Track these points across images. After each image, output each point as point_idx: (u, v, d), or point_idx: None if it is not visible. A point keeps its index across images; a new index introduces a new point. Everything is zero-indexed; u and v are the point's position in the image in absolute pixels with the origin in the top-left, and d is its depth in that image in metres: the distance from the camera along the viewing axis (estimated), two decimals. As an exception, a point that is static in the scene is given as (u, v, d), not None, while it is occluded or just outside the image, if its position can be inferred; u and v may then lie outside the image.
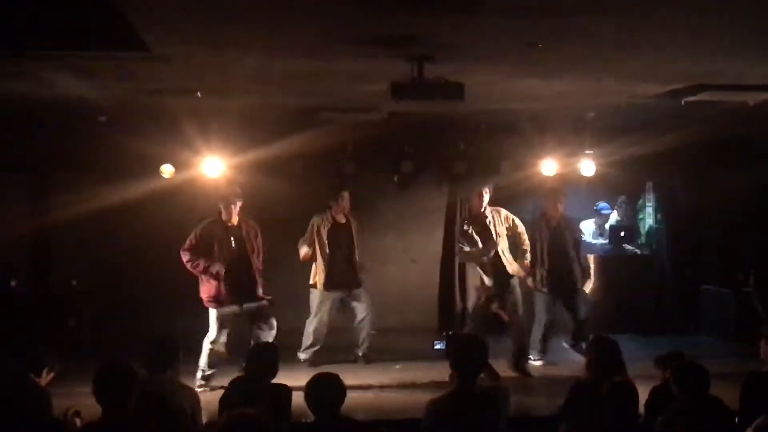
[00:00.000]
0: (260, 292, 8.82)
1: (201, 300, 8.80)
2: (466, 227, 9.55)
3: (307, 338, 9.62)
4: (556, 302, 9.81)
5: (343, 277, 9.63)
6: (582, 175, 11.02)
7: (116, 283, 11.09)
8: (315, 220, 9.62)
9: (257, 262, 8.88)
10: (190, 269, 8.69)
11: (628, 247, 12.25)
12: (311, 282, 9.62)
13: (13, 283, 10.59)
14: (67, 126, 9.76)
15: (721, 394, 5.16)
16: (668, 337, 10.69)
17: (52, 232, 11.28)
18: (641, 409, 5.28)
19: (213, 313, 8.66)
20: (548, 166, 10.80)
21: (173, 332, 8.24)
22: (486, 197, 9.53)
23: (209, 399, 6.27)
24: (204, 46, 6.31)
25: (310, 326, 9.60)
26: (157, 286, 10.85)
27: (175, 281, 10.00)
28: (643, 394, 5.40)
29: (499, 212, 9.60)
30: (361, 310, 9.70)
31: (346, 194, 9.70)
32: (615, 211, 12.54)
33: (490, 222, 9.48)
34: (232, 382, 5.79)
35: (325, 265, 9.51)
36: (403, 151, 10.71)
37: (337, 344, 9.80)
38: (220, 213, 8.87)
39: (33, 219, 10.72)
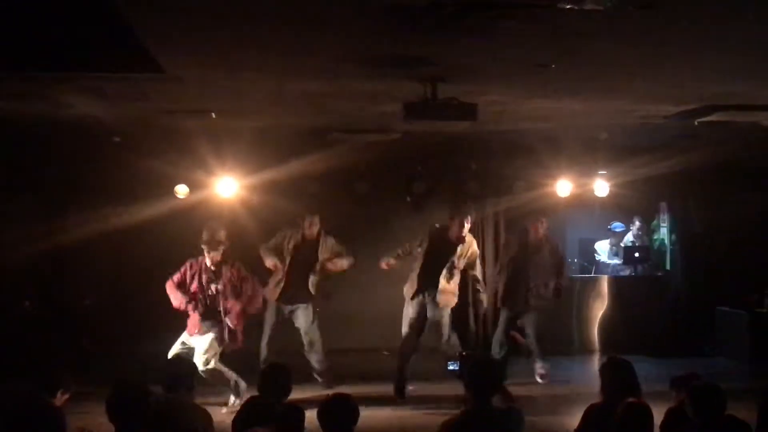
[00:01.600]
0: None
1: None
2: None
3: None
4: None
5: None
6: (596, 196, 11.01)
7: (130, 302, 11.10)
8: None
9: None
10: None
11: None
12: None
13: (27, 303, 10.62)
14: (81, 146, 9.83)
15: (738, 416, 5.11)
16: (683, 358, 10.62)
17: (66, 253, 11.31)
18: (656, 431, 5.24)
19: None
20: (562, 187, 10.79)
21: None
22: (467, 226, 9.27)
23: (224, 419, 6.25)
24: (219, 69, 6.35)
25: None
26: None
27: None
28: (659, 415, 5.36)
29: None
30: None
31: (316, 218, 9.48)
32: (630, 232, 12.51)
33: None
34: (245, 403, 5.78)
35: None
36: (416, 171, 10.73)
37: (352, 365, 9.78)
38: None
39: (47, 239, 10.75)
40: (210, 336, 8.54)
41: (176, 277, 8.74)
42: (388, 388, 9.40)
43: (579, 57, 5.92)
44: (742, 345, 11.12)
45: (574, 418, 5.58)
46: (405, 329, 9.20)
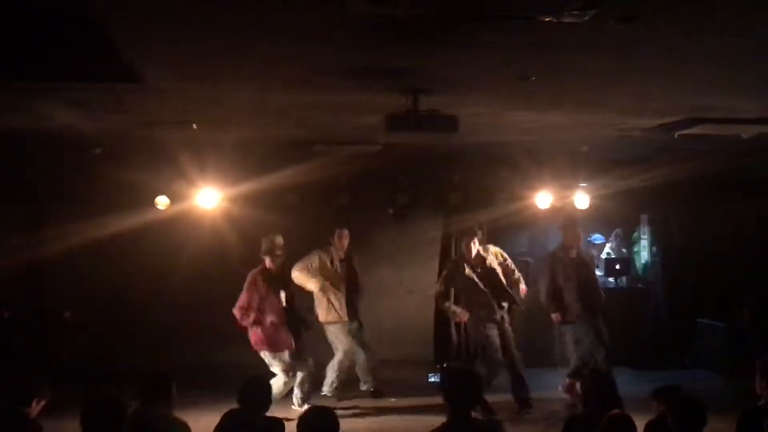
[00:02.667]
0: None
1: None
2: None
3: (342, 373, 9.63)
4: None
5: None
6: (576, 208, 11.04)
7: (110, 314, 11.04)
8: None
9: None
10: None
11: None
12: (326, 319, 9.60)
13: (5, 314, 10.53)
14: (61, 158, 9.77)
15: (717, 429, 5.13)
16: (663, 370, 10.66)
17: (45, 264, 11.25)
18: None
19: None
20: (543, 199, 10.82)
21: (166, 364, 8.36)
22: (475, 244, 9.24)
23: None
24: (199, 79, 6.33)
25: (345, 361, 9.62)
26: (151, 318, 10.82)
27: (169, 313, 9.98)
28: (639, 428, 5.37)
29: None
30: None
31: (345, 231, 9.71)
32: (608, 244, 12.54)
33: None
34: (225, 415, 5.74)
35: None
36: (398, 183, 10.73)
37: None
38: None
39: (27, 250, 10.68)
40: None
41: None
42: (369, 399, 9.39)
43: (560, 70, 5.94)
44: (722, 357, 11.15)
45: (555, 430, 5.58)
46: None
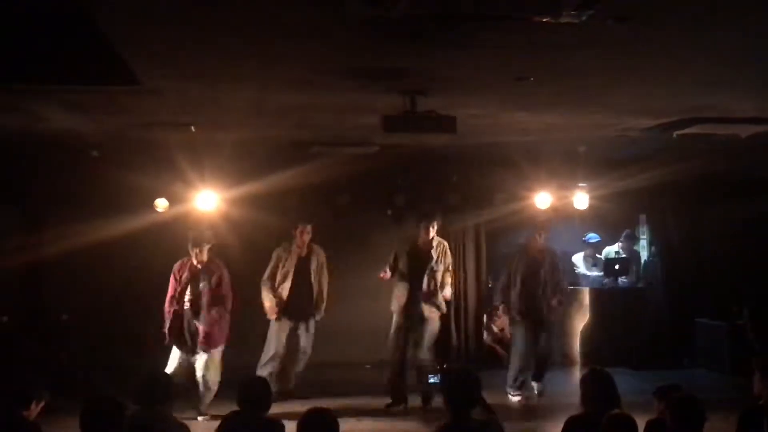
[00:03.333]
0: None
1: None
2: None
3: None
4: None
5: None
6: (575, 208, 11.04)
7: (108, 316, 11.03)
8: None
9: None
10: None
11: (622, 280, 12.26)
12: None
13: (4, 318, 10.52)
14: (59, 160, 9.77)
15: (717, 428, 5.12)
16: (663, 370, 10.65)
17: (43, 266, 11.23)
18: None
19: None
20: (541, 199, 10.82)
21: (165, 365, 8.35)
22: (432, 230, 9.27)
23: None
24: (196, 80, 6.32)
25: None
26: (149, 321, 10.79)
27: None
28: (639, 428, 5.36)
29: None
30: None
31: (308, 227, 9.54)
32: (617, 244, 12.50)
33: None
34: (225, 417, 5.73)
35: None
36: (396, 184, 10.73)
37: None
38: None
39: (24, 253, 10.67)
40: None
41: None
42: (368, 401, 9.38)
43: (558, 70, 5.94)
44: (721, 357, 11.16)
45: (555, 430, 5.57)
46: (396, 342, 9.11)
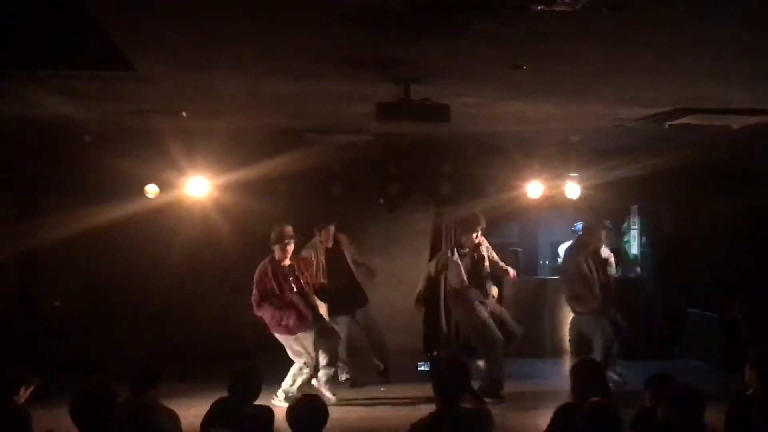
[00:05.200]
0: None
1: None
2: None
3: None
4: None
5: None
6: (567, 198, 11.05)
7: (100, 302, 11.02)
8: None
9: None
10: None
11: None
12: None
13: (3, 305, 10.51)
14: (52, 146, 9.74)
15: (706, 418, 5.14)
16: (654, 360, 10.66)
17: (37, 253, 11.21)
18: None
19: None
20: (534, 189, 10.83)
21: (155, 352, 8.35)
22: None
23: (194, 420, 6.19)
24: (190, 67, 6.31)
25: None
26: (142, 306, 10.80)
27: (159, 301, 9.93)
28: (630, 417, 5.38)
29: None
30: None
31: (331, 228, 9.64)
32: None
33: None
34: (214, 404, 5.74)
35: None
36: (390, 173, 10.72)
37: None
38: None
39: (18, 239, 10.64)
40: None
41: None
42: (358, 388, 9.41)
43: (551, 59, 5.94)
44: (713, 347, 11.18)
45: (545, 419, 5.59)
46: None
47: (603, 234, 9.96)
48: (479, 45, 5.54)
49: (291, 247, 8.82)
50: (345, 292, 9.57)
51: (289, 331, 8.69)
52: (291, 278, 8.80)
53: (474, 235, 9.18)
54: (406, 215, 11.82)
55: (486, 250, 9.35)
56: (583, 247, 9.89)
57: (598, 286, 9.65)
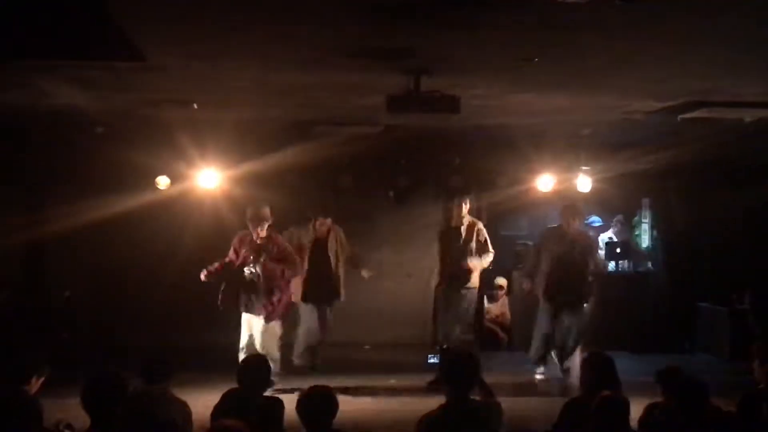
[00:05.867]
0: None
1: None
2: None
3: None
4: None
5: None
6: (578, 191, 11.02)
7: (110, 294, 11.05)
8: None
9: None
10: None
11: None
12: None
13: (5, 294, 10.53)
14: (62, 137, 9.75)
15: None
16: (663, 354, 10.63)
17: (46, 244, 11.24)
18: (635, 425, 5.24)
19: None
20: (544, 182, 10.80)
21: (166, 343, 8.37)
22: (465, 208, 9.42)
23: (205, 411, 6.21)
24: (200, 57, 6.31)
25: None
26: (151, 298, 10.82)
27: (169, 292, 9.93)
28: (639, 411, 5.37)
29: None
30: None
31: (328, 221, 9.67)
32: (610, 230, 12.50)
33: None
34: (224, 395, 5.74)
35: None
36: (399, 165, 10.71)
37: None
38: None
39: (27, 230, 10.67)
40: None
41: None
42: (367, 381, 9.41)
43: (563, 51, 5.91)
44: (722, 341, 11.16)
45: (554, 412, 5.58)
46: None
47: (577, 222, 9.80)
48: (490, 37, 5.52)
49: (263, 230, 8.73)
50: (319, 283, 9.60)
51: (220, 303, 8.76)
52: (261, 255, 8.72)
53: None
54: (416, 208, 11.79)
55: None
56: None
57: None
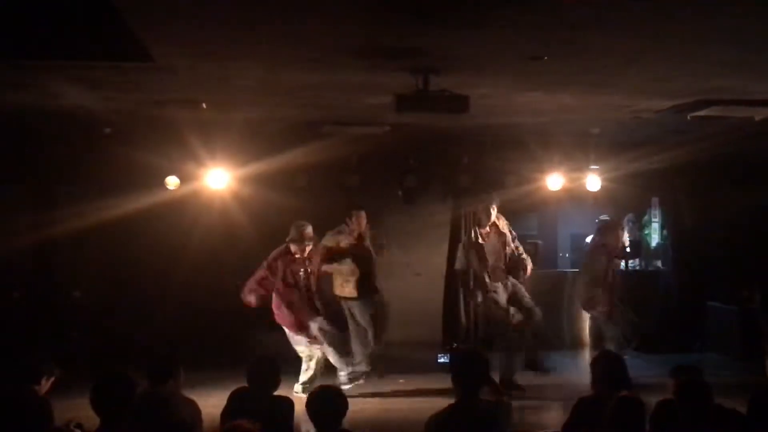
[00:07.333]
0: None
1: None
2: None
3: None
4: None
5: None
6: (588, 191, 10.99)
7: (120, 294, 11.06)
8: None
9: None
10: None
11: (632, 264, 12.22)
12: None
13: (15, 295, 10.56)
14: (71, 138, 9.78)
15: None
16: (673, 353, 10.62)
17: (55, 244, 11.25)
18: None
19: None
20: (553, 181, 10.78)
21: (175, 343, 8.38)
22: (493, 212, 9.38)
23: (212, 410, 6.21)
24: (208, 58, 6.30)
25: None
26: (161, 298, 10.83)
27: (179, 292, 9.94)
28: (649, 410, 5.36)
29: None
30: None
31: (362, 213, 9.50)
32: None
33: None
34: (233, 394, 5.75)
35: None
36: (408, 164, 10.70)
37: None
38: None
39: (36, 230, 10.69)
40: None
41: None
42: (376, 382, 9.40)
43: (572, 49, 5.89)
44: (732, 341, 11.12)
45: (564, 412, 5.58)
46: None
47: (622, 232, 9.88)
48: (499, 35, 5.51)
49: (309, 249, 8.82)
50: (367, 278, 9.48)
51: (281, 321, 8.79)
52: (301, 273, 8.81)
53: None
54: (424, 207, 11.78)
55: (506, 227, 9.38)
56: (599, 247, 9.85)
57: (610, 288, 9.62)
